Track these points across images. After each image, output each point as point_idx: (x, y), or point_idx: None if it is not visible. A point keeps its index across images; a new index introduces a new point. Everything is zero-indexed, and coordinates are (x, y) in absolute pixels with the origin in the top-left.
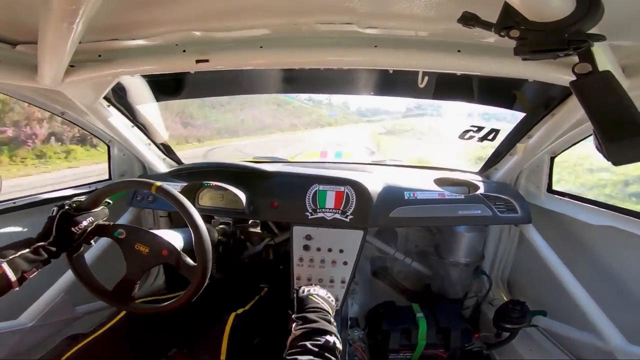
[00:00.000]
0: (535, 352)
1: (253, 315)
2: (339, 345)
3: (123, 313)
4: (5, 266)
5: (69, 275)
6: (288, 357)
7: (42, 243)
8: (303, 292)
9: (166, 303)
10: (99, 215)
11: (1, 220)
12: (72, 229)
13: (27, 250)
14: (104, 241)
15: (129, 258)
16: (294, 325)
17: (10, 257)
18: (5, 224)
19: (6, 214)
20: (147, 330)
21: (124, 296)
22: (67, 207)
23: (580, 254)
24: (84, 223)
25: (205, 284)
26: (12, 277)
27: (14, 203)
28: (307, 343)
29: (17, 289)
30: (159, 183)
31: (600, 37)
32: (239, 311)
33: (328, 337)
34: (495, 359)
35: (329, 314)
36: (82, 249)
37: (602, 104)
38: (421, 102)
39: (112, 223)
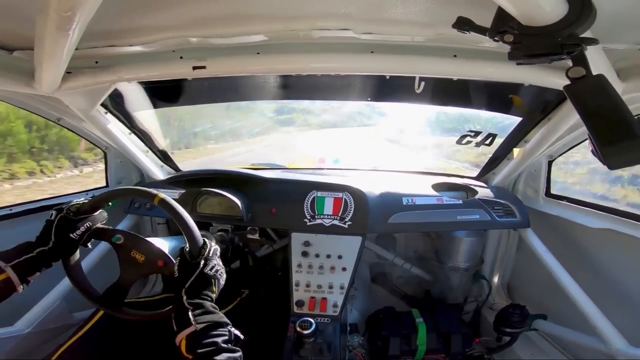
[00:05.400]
0: (537, 356)
1: (233, 317)
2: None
3: (100, 314)
4: (9, 270)
5: (66, 282)
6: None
7: (43, 248)
8: (210, 248)
9: (157, 311)
10: (98, 219)
11: None
12: (71, 234)
13: (30, 254)
14: (103, 246)
15: (124, 264)
16: (190, 312)
17: (15, 262)
18: (1, 231)
19: (2, 221)
20: (126, 332)
21: (114, 301)
22: (65, 212)
23: (579, 257)
24: (82, 228)
25: None
26: (17, 281)
27: (10, 210)
28: (218, 340)
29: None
30: (162, 195)
31: (593, 41)
32: None
33: (230, 329)
34: None
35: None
36: (77, 250)
37: (596, 107)
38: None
39: (110, 227)
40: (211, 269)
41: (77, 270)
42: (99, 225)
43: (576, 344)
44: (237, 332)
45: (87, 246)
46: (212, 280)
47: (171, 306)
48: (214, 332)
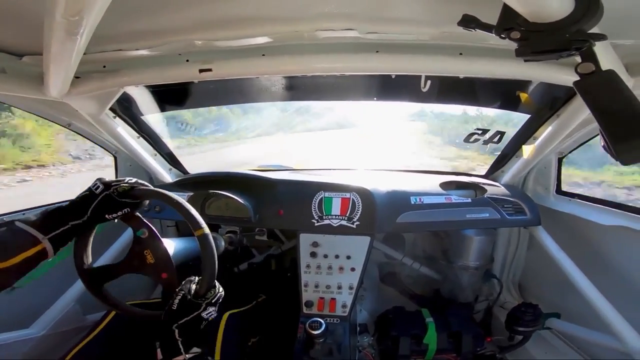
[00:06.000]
0: (550, 355)
1: (247, 317)
2: None
3: (111, 316)
4: (46, 243)
5: (79, 285)
6: None
7: (77, 222)
8: (216, 295)
9: (146, 311)
10: (138, 206)
11: None
12: (107, 215)
13: (66, 227)
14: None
15: (131, 254)
16: (180, 342)
17: (52, 235)
18: None
19: None
20: (137, 334)
21: (96, 279)
22: (112, 190)
23: (592, 255)
24: (119, 213)
25: None
26: (51, 252)
27: (23, 215)
28: None
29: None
30: (207, 231)
31: (601, 37)
32: (233, 311)
33: (209, 359)
34: None
35: None
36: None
37: (607, 103)
38: None
39: (142, 218)
40: (208, 314)
41: (85, 242)
42: (135, 213)
43: (591, 343)
44: None
45: (112, 219)
46: (204, 322)
47: (159, 311)
48: None
